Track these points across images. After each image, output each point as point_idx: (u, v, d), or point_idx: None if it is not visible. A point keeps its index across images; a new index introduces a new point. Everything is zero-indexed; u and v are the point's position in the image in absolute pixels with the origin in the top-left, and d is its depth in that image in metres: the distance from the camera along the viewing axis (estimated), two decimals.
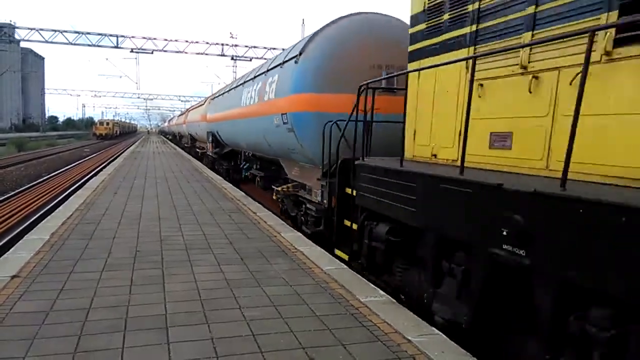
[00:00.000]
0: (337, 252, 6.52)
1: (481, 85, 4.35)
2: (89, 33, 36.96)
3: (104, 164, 24.22)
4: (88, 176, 18.76)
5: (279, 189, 9.56)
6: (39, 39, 35.47)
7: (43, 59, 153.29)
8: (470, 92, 3.91)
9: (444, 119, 4.96)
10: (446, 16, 5.06)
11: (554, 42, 3.58)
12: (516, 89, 3.99)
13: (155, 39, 38.30)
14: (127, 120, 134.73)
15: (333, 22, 8.05)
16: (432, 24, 5.31)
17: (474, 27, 4.62)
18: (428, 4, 5.40)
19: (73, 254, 5.43)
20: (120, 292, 4.26)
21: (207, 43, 39.51)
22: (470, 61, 4.04)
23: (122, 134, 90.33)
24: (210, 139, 19.95)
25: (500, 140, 4.16)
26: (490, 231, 3.40)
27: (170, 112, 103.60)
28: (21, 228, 9.79)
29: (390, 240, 5.07)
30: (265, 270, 5.08)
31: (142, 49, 38.11)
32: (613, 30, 3.13)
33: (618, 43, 3.13)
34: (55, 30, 35.62)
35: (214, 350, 3.21)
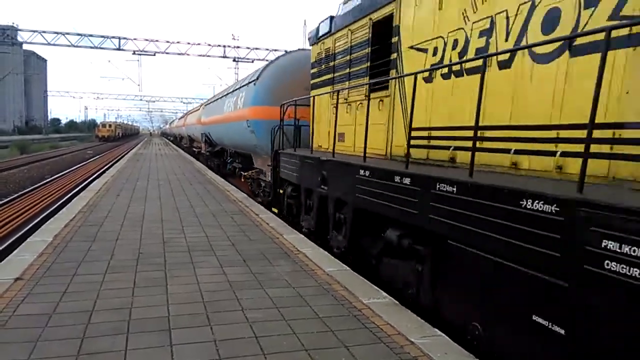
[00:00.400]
0: (273, 209, 9.93)
1: (335, 107, 7.36)
2: (91, 35, 37.07)
3: (107, 166, 24.27)
4: (91, 178, 18.79)
5: (246, 174, 13.91)
6: (41, 41, 35.60)
7: (45, 61, 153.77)
8: (336, 110, 7.32)
9: (323, 125, 8.59)
10: (322, 67, 8.87)
11: (353, 88, 7.31)
12: (343, 110, 7.56)
13: (157, 41, 38.39)
14: (130, 123, 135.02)
15: (281, 56, 12.53)
16: (317, 70, 9.17)
17: (331, 75, 8.36)
18: (315, 58, 9.25)
19: (76, 256, 5.44)
20: (123, 295, 4.26)
21: (209, 45, 39.57)
22: (336, 93, 7.43)
23: (124, 136, 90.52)
24: (204, 139, 22.85)
25: (341, 137, 7.63)
26: (317, 181, 7.23)
27: (172, 114, 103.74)
28: (24, 230, 9.82)
29: (292, 196, 9.03)
30: (267, 272, 5.08)
31: (145, 51, 38.20)
32: (367, 86, 6.75)
33: (370, 91, 6.70)
34: (57, 33, 35.74)
35: (216, 353, 3.20)
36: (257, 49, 40.74)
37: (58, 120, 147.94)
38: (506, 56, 4.18)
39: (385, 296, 4.45)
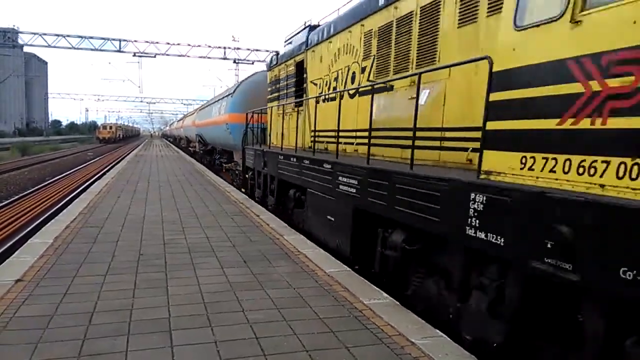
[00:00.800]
0: (242, 189, 13.09)
1: (279, 116, 10.97)
2: (92, 37, 37.10)
3: (108, 168, 24.28)
4: (91, 180, 18.80)
5: (226, 166, 18.64)
6: (42, 44, 35.62)
7: (46, 63, 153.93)
8: (283, 118, 10.88)
9: (274, 128, 11.57)
10: (273, 87, 12.44)
11: (287, 104, 10.70)
12: (283, 118, 10.74)
13: (158, 42, 38.39)
14: (130, 124, 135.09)
15: (254, 74, 16.83)
16: (270, 89, 12.80)
17: (277, 94, 11.94)
18: (269, 80, 12.83)
19: (77, 258, 5.44)
20: (124, 296, 4.26)
21: (210, 46, 39.57)
22: (281, 106, 11.15)
23: (125, 137, 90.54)
24: (198, 139, 26.73)
25: (282, 137, 10.10)
26: (261, 165, 10.58)
27: (173, 115, 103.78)
28: (25, 232, 9.82)
29: (252, 177, 12.12)
30: (268, 273, 5.08)
31: (145, 53, 38.22)
32: (293, 103, 10.31)
33: (295, 106, 10.21)
34: (58, 35, 35.78)
35: (217, 354, 3.20)
36: (257, 50, 40.74)
37: (59, 122, 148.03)
38: (347, 90, 7.71)
39: (386, 297, 4.45)
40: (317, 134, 8.46)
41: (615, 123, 2.60)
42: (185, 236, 6.79)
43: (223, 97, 18.58)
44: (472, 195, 3.51)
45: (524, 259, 2.99)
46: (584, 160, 2.76)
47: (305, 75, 9.85)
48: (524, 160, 3.19)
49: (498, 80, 3.45)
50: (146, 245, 6.16)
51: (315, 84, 9.21)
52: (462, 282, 3.85)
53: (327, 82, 8.64)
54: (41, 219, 11.20)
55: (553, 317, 3.20)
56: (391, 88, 6.27)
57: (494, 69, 3.48)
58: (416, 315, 4.03)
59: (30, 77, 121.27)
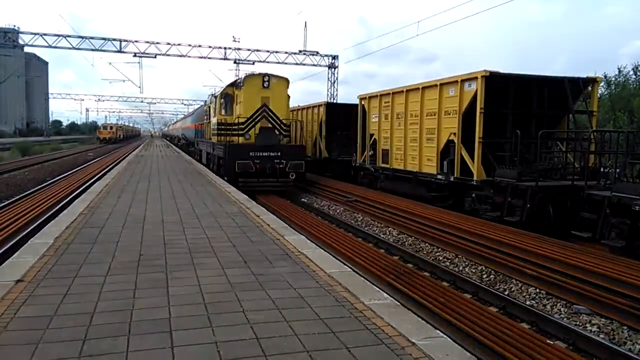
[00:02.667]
0: (199, 164, 22.93)
1: (208, 125, 24.39)
2: (92, 38, 37.09)
3: (108, 168, 24.29)
4: (92, 180, 18.81)
5: (191, 149, 33.65)
6: (42, 44, 35.60)
7: (47, 63, 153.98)
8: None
9: (206, 131, 24.71)
10: (205, 113, 26.24)
11: (205, 122, 26.14)
12: (208, 126, 24.32)
13: (158, 43, 38.35)
14: (131, 125, 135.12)
15: (201, 105, 36.09)
16: (204, 114, 26.85)
17: (205, 116, 25.86)
18: (205, 110, 26.25)
19: (77, 258, 5.44)
20: (125, 296, 4.26)
21: (210, 47, 39.52)
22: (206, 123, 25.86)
23: (125, 137, 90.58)
24: (182, 136, 45.99)
25: (205, 134, 25.97)
26: (205, 147, 23.88)
27: (173, 115, 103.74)
28: (25, 232, 9.83)
29: (200, 154, 26.12)
30: (268, 274, 5.08)
31: (145, 53, 38.17)
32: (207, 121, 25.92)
33: (208, 122, 25.65)
34: (58, 35, 35.76)
35: (217, 354, 3.20)
36: (257, 50, 40.73)
37: (59, 122, 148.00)
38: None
39: (387, 297, 4.45)
40: (215, 133, 19.95)
41: None
42: (186, 236, 6.79)
43: (190, 115, 41.23)
44: None
45: None
46: None
47: (209, 111, 23.76)
48: None
49: None
50: (147, 246, 6.16)
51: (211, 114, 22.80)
52: None
53: (213, 114, 21.23)
54: (42, 219, 11.21)
55: None
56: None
57: None
58: (417, 315, 4.02)
59: (30, 77, 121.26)
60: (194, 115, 34.13)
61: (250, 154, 16.05)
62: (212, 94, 24.01)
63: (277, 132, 16.89)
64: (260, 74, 17.41)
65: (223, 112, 18.56)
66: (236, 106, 17.86)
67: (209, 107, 23.08)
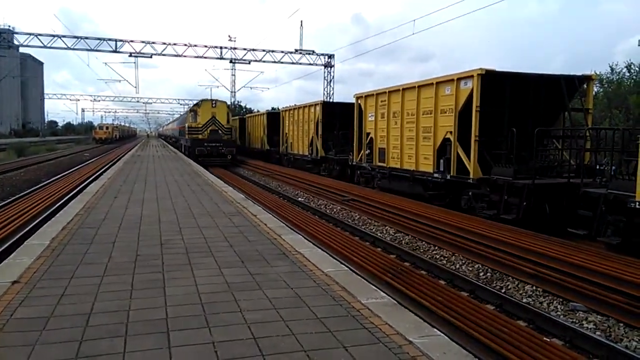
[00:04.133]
0: (184, 156, 30.20)
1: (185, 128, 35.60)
2: (87, 38, 36.99)
3: (104, 168, 24.21)
4: (88, 181, 18.74)
5: (177, 144, 43.47)
6: (37, 44, 35.48)
7: (42, 63, 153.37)
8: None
9: (184, 132, 35.05)
10: (186, 118, 36.68)
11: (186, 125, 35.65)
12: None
13: (154, 42, 38.30)
14: (127, 125, 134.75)
15: (182, 114, 48.95)
16: (185, 118, 37.37)
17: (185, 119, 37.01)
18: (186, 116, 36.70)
19: (74, 259, 5.43)
20: (121, 297, 4.25)
21: (206, 46, 39.48)
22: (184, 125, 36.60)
23: (121, 138, 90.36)
24: (172, 135, 53.49)
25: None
26: (184, 141, 35.80)
27: (170, 115, 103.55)
28: (22, 233, 9.78)
29: (189, 150, 32.55)
30: (266, 273, 5.08)
31: (141, 53, 38.11)
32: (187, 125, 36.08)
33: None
34: (53, 35, 35.64)
35: (215, 354, 3.20)
36: (254, 50, 40.69)
37: (55, 122, 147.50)
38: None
39: (384, 296, 4.45)
40: (186, 132, 31.54)
41: None
42: (183, 236, 6.78)
43: (176, 121, 53.44)
44: None
45: None
46: None
47: (184, 119, 34.87)
48: None
49: None
50: (143, 246, 6.15)
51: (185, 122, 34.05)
52: None
53: (186, 121, 33.07)
54: (38, 220, 11.17)
55: None
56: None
57: None
58: (414, 314, 4.03)
59: (26, 77, 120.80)
60: (178, 120, 47.95)
61: (205, 144, 29.11)
62: (187, 110, 38.06)
63: (220, 132, 29.78)
64: (210, 99, 31.85)
65: (191, 120, 30.82)
66: (198, 117, 30.30)
67: (185, 117, 35.52)
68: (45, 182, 19.57)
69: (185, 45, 38.91)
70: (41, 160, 33.02)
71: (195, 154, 28.19)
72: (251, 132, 39.16)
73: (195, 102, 35.03)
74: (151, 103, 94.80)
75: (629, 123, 19.20)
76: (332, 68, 41.17)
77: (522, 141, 11.44)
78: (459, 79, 12.23)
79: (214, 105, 30.49)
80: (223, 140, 29.63)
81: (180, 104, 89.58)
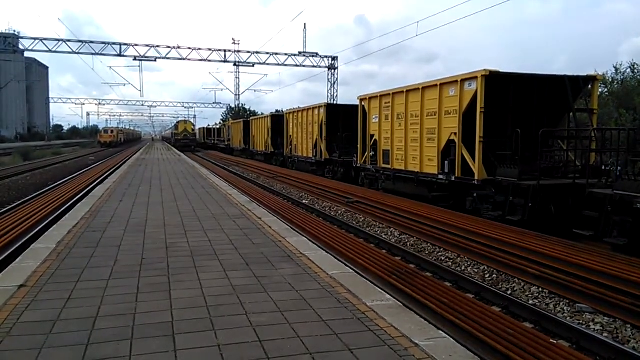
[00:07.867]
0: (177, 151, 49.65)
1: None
2: (92, 42, 37.20)
3: (110, 172, 24.30)
4: (94, 184, 18.82)
5: (171, 145, 65.78)
6: (42, 49, 35.70)
7: (47, 68, 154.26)
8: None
9: (174, 136, 67.77)
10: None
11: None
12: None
13: (158, 46, 38.49)
14: (132, 128, 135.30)
15: (176, 123, 75.78)
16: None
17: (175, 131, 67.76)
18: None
19: (80, 263, 5.45)
20: (127, 300, 4.27)
21: (210, 49, 39.64)
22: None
23: (126, 141, 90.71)
24: (169, 137, 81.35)
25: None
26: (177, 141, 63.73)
27: (174, 118, 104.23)
28: (28, 237, 9.82)
29: (174, 144, 62.50)
30: (270, 276, 5.08)
31: (146, 57, 38.29)
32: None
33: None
34: (58, 40, 35.86)
35: (220, 357, 3.21)
36: (257, 52, 40.80)
37: (61, 126, 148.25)
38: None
39: (389, 298, 4.44)
40: (173, 136, 65.03)
41: None
42: (188, 239, 6.80)
43: (171, 128, 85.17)
44: None
45: None
46: None
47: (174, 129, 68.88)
48: None
49: None
50: (149, 249, 6.17)
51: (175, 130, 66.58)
52: None
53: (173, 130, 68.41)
54: (44, 224, 11.21)
55: None
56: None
57: None
58: (419, 316, 4.02)
59: (31, 82, 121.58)
60: (170, 130, 68.92)
61: (182, 141, 58.28)
62: (175, 123, 68.71)
63: (188, 135, 60.03)
64: (185, 120, 66.95)
65: (175, 130, 64.53)
66: (178, 129, 61.26)
67: (173, 128, 69.95)
68: (50, 186, 19.65)
69: (190, 48, 39.10)
70: (47, 164, 33.18)
71: (178, 145, 56.02)
72: (255, 134, 38.68)
73: (187, 114, 61.73)
74: (156, 106, 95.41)
75: (635, 123, 19.09)
76: (336, 70, 41.28)
77: (527, 142, 11.40)
78: (463, 80, 12.20)
79: (185, 122, 63.14)
80: (189, 139, 59.25)
81: (185, 107, 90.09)
